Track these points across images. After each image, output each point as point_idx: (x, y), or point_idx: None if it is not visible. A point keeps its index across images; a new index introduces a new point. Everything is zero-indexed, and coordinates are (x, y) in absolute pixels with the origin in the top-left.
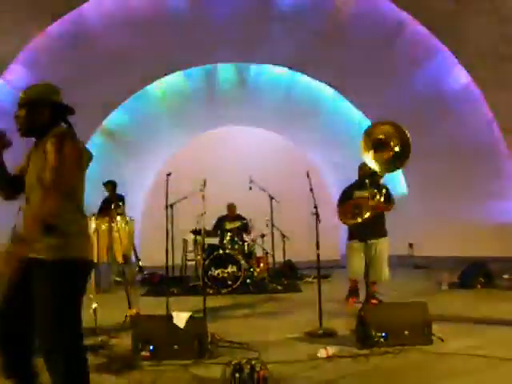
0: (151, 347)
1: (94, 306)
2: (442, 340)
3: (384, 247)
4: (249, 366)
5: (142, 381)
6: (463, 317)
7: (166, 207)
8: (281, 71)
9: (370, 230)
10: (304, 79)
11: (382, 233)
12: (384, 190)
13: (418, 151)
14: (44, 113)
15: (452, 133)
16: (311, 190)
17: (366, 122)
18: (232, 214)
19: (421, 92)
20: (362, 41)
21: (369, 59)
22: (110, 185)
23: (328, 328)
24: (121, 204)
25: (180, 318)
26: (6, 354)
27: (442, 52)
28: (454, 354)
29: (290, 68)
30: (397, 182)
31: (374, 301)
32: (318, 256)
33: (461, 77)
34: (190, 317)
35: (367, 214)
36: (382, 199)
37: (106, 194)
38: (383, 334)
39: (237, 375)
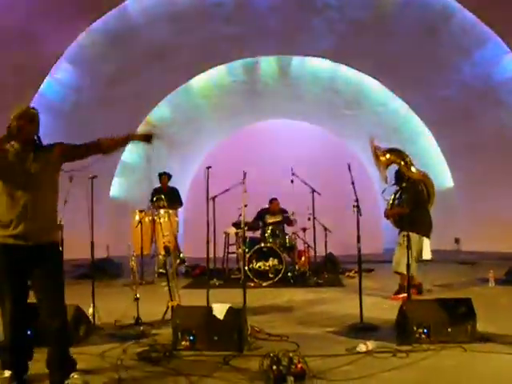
0: (191, 337)
1: (137, 296)
2: (487, 339)
3: (399, 240)
4: (286, 359)
5: (181, 370)
6: (510, 315)
7: (207, 200)
8: (323, 63)
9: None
10: (346, 71)
11: (402, 228)
12: (392, 196)
13: (466, 143)
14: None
15: (502, 124)
16: (352, 183)
17: (411, 114)
18: (274, 209)
19: (469, 82)
20: (407, 30)
21: (414, 49)
22: (166, 176)
23: (368, 322)
24: (162, 197)
25: (219, 310)
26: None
27: (492, 40)
28: (499, 354)
29: (333, 60)
30: (442, 174)
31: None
32: (359, 249)
33: None
34: (230, 308)
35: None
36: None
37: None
38: (425, 331)
39: (274, 367)
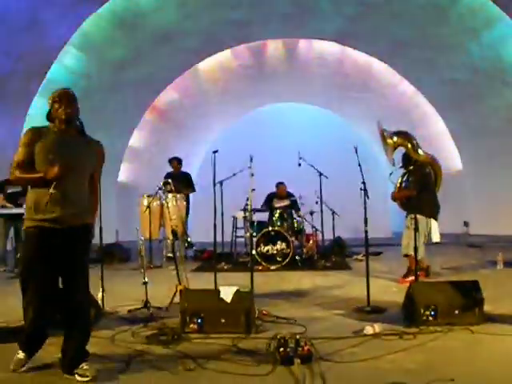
0: (199, 320)
1: (145, 280)
2: (494, 319)
3: (406, 223)
4: (293, 341)
5: (190, 353)
6: None
7: (214, 184)
8: (330, 46)
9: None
10: (354, 53)
11: (409, 210)
12: (400, 179)
13: (475, 126)
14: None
15: (511, 106)
16: (359, 165)
17: (420, 97)
18: (281, 193)
19: (478, 64)
20: (415, 12)
21: (422, 31)
22: (175, 161)
23: (376, 305)
24: (169, 181)
25: (227, 293)
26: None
27: (500, 21)
28: (504, 335)
29: (340, 42)
30: (451, 157)
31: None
32: (366, 232)
33: None
34: (237, 291)
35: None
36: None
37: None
38: (432, 313)
39: (281, 349)
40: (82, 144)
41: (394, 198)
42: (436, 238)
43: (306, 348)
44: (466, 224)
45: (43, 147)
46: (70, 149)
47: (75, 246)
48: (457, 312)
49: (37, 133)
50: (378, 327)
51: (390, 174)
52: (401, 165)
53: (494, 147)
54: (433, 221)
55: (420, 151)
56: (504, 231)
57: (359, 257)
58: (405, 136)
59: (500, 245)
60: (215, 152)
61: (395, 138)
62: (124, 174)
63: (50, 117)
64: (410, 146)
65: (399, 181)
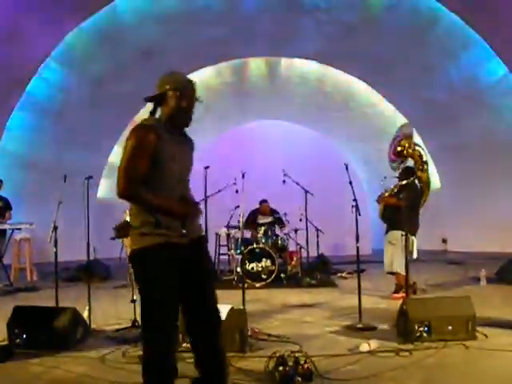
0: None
1: (135, 298)
2: (486, 336)
3: (392, 239)
4: (292, 359)
5: (185, 372)
6: (506, 313)
7: (205, 200)
8: (311, 65)
9: (386, 223)
10: (335, 73)
11: (393, 226)
12: (393, 187)
13: (452, 145)
14: None
15: (487, 126)
16: (350, 182)
17: (399, 116)
18: (265, 210)
19: (455, 85)
20: (395, 33)
21: (401, 51)
22: None
23: (367, 322)
24: None
25: (220, 311)
26: None
27: (477, 43)
28: (498, 351)
29: (321, 62)
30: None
31: (395, 295)
32: (358, 249)
33: (498, 69)
34: (231, 309)
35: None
36: (387, 194)
37: None
38: (425, 329)
39: (280, 368)
40: (188, 144)
41: (379, 201)
42: (414, 254)
43: (306, 366)
44: (444, 241)
45: (162, 151)
46: (185, 153)
47: (200, 263)
48: (450, 328)
49: (155, 132)
50: (373, 344)
51: (384, 177)
52: (398, 175)
53: (470, 166)
54: (414, 238)
55: (425, 172)
56: (481, 248)
57: (344, 274)
58: (423, 153)
59: (478, 261)
60: (207, 168)
61: (417, 149)
62: (103, 190)
63: (157, 104)
64: (419, 161)
65: (392, 188)
